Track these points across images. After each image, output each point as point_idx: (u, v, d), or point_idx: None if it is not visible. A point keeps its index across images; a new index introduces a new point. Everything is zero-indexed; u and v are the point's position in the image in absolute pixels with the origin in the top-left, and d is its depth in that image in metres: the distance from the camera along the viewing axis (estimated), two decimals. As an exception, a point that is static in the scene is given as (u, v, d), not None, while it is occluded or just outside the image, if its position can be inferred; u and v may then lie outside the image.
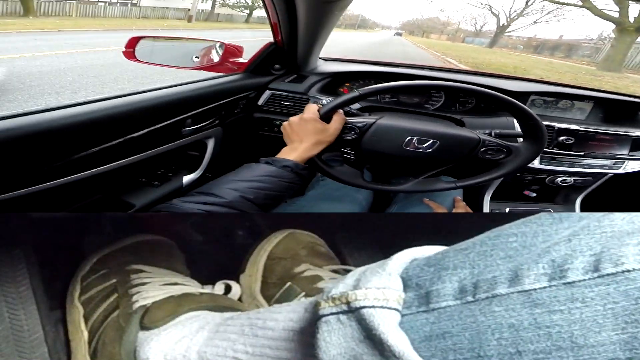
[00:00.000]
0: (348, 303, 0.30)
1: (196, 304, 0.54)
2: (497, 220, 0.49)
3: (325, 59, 1.25)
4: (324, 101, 1.02)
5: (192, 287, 0.59)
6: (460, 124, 0.94)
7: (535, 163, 1.03)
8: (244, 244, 0.69)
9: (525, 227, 0.30)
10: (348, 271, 0.64)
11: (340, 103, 0.70)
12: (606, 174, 1.09)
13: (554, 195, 1.18)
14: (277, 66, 1.09)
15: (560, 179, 1.07)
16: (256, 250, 0.66)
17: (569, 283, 0.25)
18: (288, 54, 1.03)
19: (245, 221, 0.72)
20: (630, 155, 1.07)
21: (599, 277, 0.24)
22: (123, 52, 0.95)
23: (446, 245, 0.37)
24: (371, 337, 0.29)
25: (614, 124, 1.14)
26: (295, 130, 0.69)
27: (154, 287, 0.57)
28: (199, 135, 0.90)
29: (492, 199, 1.07)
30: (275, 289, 0.62)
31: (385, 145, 0.75)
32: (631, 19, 13.59)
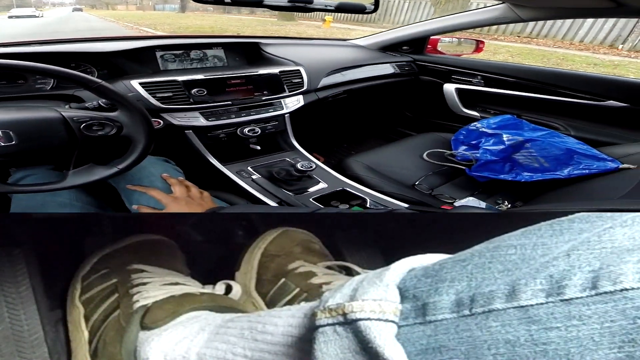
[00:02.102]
0: (344, 314, 0.30)
1: (197, 304, 0.55)
2: (496, 220, 0.49)
3: None
4: None
5: (193, 287, 0.59)
6: (76, 100, 0.84)
7: (203, 121, 1.01)
8: (244, 244, 0.69)
9: (525, 238, 0.30)
10: (342, 267, 0.65)
11: None
12: (282, 115, 1.14)
13: (277, 144, 1.19)
14: None
15: (247, 129, 1.08)
16: (251, 248, 0.67)
17: (566, 300, 0.25)
18: None
19: (245, 221, 0.72)
20: (274, 95, 1.12)
21: (596, 294, 0.24)
22: None
23: (444, 246, 0.37)
24: (367, 349, 0.29)
25: (253, 66, 1.20)
26: None
27: (155, 287, 0.57)
28: None
29: (224, 162, 1.04)
30: (270, 286, 0.63)
31: None
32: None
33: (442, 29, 1.56)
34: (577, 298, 0.24)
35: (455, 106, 1.60)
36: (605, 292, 0.24)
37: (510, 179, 1.08)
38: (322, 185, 1.00)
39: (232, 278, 0.64)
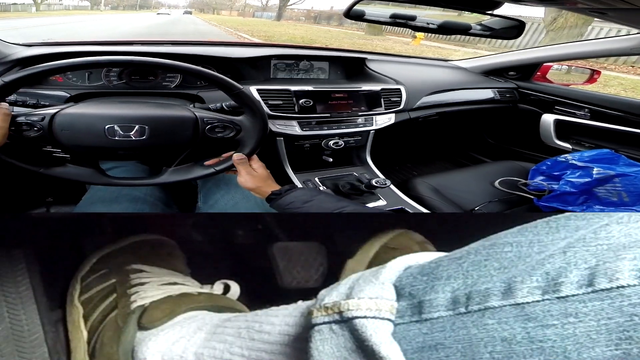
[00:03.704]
0: (340, 313, 0.30)
1: (194, 304, 0.55)
2: (497, 221, 0.48)
3: (30, 45, 1.04)
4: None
5: (191, 286, 0.59)
6: (198, 100, 0.88)
7: (297, 130, 1.02)
8: (244, 244, 0.69)
9: (521, 236, 0.30)
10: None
11: None
12: (368, 131, 1.14)
13: (349, 158, 1.20)
14: None
15: (332, 141, 1.08)
16: (370, 241, 0.66)
17: (562, 297, 0.24)
18: None
19: (245, 221, 0.72)
20: (370, 111, 1.12)
21: (593, 292, 0.24)
22: None
23: (443, 246, 0.37)
24: (364, 347, 0.29)
25: (352, 80, 1.22)
26: None
27: (153, 287, 0.57)
28: None
29: (295, 170, 1.06)
30: None
31: (85, 137, 0.66)
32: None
33: (561, 56, 1.46)
34: (573, 295, 0.24)
35: (548, 137, 1.51)
36: (602, 289, 0.23)
37: (578, 211, 1.03)
38: (381, 202, 1.00)
39: (232, 278, 0.63)
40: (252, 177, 0.74)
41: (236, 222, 0.72)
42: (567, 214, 0.29)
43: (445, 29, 0.80)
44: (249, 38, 10.69)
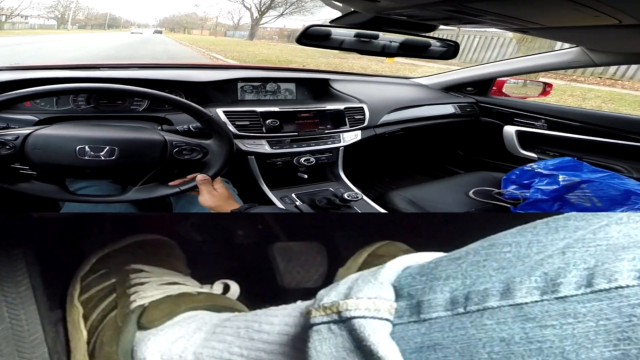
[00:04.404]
0: (339, 312, 0.30)
1: (194, 304, 0.55)
2: (494, 220, 0.48)
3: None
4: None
5: (191, 286, 0.59)
6: (166, 122, 0.91)
7: (267, 149, 1.06)
8: (244, 244, 0.69)
9: (520, 236, 0.30)
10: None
11: None
12: (337, 148, 1.18)
13: (324, 174, 1.23)
14: None
15: (303, 158, 1.11)
16: (359, 251, 0.67)
17: (561, 298, 0.24)
18: None
19: (245, 221, 0.72)
20: (336, 129, 1.17)
21: (591, 292, 0.24)
22: None
23: (442, 246, 0.37)
24: (362, 347, 0.28)
25: (319, 100, 1.26)
26: None
27: (152, 286, 0.57)
28: None
29: (271, 187, 1.09)
30: None
31: (56, 156, 0.69)
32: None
33: (512, 71, 1.53)
34: (572, 296, 0.24)
35: (513, 147, 1.57)
36: (600, 290, 0.23)
37: None
38: None
39: (232, 278, 0.63)
40: (212, 196, 0.75)
41: (236, 222, 0.72)
42: (566, 214, 0.29)
43: (406, 47, 0.84)
44: (222, 59, 10.47)
